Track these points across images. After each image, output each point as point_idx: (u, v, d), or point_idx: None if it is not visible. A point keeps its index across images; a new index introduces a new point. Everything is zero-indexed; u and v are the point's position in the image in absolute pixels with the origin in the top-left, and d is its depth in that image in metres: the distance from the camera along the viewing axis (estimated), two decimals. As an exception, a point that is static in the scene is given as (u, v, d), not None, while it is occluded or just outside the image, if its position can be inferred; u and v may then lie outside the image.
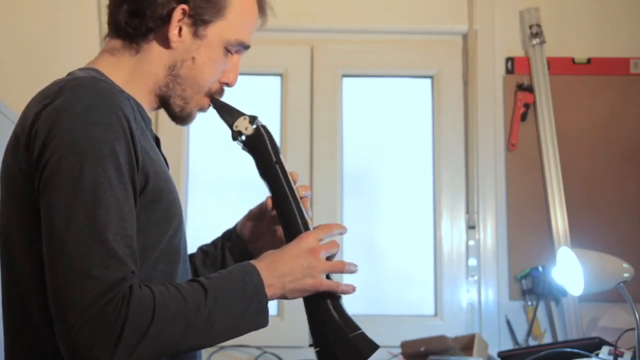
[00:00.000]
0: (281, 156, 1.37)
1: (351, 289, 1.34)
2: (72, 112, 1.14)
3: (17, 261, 1.21)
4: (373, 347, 1.31)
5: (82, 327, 1.08)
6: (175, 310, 1.14)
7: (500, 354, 2.36)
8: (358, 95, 3.04)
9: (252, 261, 1.28)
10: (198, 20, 1.30)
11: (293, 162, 2.91)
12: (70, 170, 1.12)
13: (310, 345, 1.34)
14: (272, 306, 2.88)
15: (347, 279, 2.96)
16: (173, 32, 1.29)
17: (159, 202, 1.23)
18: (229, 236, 1.54)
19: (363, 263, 2.94)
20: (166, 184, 1.26)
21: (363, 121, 3.03)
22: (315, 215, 2.84)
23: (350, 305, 3.05)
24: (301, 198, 1.38)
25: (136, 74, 1.32)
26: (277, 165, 1.36)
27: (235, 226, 1.54)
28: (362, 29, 3.01)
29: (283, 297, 1.29)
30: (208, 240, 1.58)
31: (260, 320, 1.24)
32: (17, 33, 2.82)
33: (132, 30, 1.30)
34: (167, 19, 1.29)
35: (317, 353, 1.32)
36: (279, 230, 1.44)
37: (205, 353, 1.47)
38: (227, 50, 1.35)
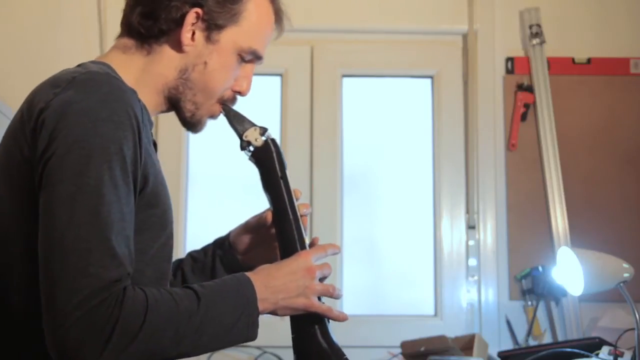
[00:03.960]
0: (287, 172, 1.36)
1: (342, 317, 1.31)
2: (84, 106, 1.12)
3: (6, 249, 1.18)
4: None
5: (73, 325, 1.05)
6: (167, 316, 1.11)
7: (500, 354, 2.36)
8: (358, 95, 3.03)
9: (247, 273, 1.25)
10: (212, 25, 1.30)
11: (293, 162, 2.90)
12: (76, 165, 1.09)
13: None
14: (272, 306, 2.87)
15: (347, 279, 2.96)
16: (186, 35, 1.29)
17: (155, 207, 1.22)
18: (221, 244, 1.51)
19: (363, 263, 2.96)
20: (163, 189, 1.25)
21: (363, 121, 3.02)
22: (316, 215, 2.84)
23: (351, 305, 3.05)
24: (301, 216, 1.36)
25: (146, 75, 1.30)
26: (281, 181, 1.35)
27: (229, 234, 1.51)
28: (362, 29, 3.01)
29: (273, 312, 1.26)
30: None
31: (249, 333, 1.20)
32: (17, 32, 2.82)
33: (144, 31, 1.29)
34: (180, 22, 1.28)
35: None
36: (275, 245, 1.41)
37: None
38: (241, 58, 1.35)
